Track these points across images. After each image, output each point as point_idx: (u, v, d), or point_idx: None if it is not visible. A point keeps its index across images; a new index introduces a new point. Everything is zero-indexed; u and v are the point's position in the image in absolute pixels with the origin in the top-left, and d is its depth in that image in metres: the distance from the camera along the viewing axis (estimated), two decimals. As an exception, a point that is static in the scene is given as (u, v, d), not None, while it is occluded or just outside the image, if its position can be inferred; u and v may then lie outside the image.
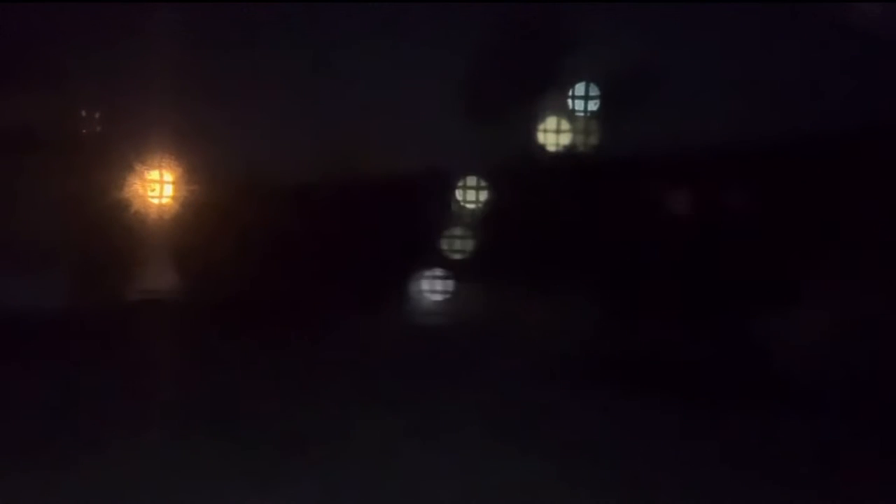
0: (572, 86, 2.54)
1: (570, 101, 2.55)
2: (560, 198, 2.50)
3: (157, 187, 2.39)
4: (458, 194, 2.54)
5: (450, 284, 2.53)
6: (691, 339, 2.48)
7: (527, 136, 2.55)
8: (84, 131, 2.44)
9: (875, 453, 2.35)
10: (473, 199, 2.54)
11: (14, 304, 2.36)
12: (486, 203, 2.54)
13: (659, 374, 2.43)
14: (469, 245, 2.53)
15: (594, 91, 2.55)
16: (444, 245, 2.54)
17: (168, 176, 2.39)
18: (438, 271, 2.53)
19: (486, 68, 2.47)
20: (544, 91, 2.54)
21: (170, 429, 2.31)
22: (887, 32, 2.37)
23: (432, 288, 2.53)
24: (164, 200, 2.40)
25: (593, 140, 2.57)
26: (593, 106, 2.55)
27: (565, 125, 2.56)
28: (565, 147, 2.56)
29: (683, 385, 2.42)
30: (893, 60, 2.39)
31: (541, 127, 2.56)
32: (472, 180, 2.54)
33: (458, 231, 2.53)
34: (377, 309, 2.49)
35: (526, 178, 2.54)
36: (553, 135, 2.56)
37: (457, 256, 2.53)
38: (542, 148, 2.56)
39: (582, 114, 2.55)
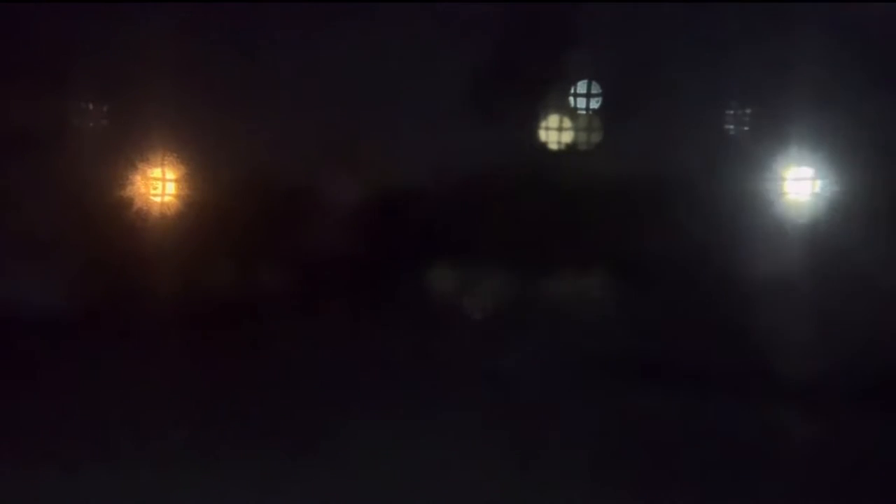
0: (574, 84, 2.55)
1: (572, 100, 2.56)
2: (564, 196, 2.51)
3: (160, 186, 2.40)
4: (462, 192, 2.54)
5: (453, 283, 2.53)
6: (695, 337, 2.48)
7: (529, 135, 2.55)
8: (87, 130, 2.45)
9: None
10: (478, 195, 2.54)
11: (15, 303, 2.37)
12: (490, 200, 2.54)
13: (667, 371, 2.44)
14: (471, 243, 2.53)
15: (596, 89, 2.55)
16: (447, 243, 2.53)
17: (171, 174, 2.40)
18: (441, 269, 2.53)
19: (488, 67, 2.47)
20: (547, 89, 2.55)
21: (171, 428, 2.31)
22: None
23: (437, 285, 2.53)
24: (167, 199, 2.40)
25: (596, 137, 2.57)
26: (595, 104, 2.56)
27: (567, 123, 2.56)
28: (568, 145, 2.56)
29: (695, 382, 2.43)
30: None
31: (543, 125, 2.56)
32: (474, 178, 2.54)
33: (461, 229, 2.53)
34: (379, 307, 2.49)
35: (528, 176, 2.54)
36: (556, 133, 2.56)
37: (461, 254, 2.53)
38: (544, 146, 2.56)
39: (584, 111, 2.56)
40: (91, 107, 2.45)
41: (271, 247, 2.44)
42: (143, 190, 2.39)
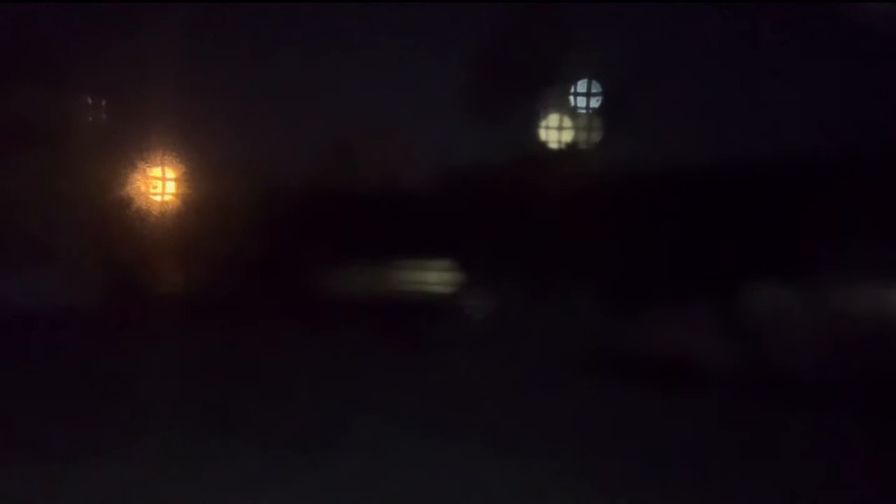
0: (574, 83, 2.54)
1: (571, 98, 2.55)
2: (562, 196, 2.51)
3: (160, 184, 2.39)
4: (461, 192, 2.53)
5: (452, 283, 2.53)
6: (694, 336, 2.50)
7: (529, 134, 2.55)
8: (86, 128, 2.44)
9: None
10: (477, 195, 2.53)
11: (15, 303, 2.37)
12: (489, 200, 2.53)
13: (662, 371, 2.46)
14: (471, 243, 2.53)
15: (596, 88, 2.55)
16: (446, 244, 2.53)
17: (171, 173, 2.39)
18: (440, 270, 2.53)
19: (487, 66, 2.47)
20: (546, 88, 2.54)
21: (170, 428, 2.32)
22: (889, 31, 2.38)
23: (434, 286, 2.53)
24: (167, 198, 2.39)
25: (595, 137, 2.57)
26: (595, 103, 2.55)
27: (567, 122, 2.56)
28: (568, 144, 2.56)
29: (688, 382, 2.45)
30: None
31: (543, 124, 2.56)
32: (474, 178, 2.53)
33: (461, 229, 2.53)
34: (379, 308, 2.50)
35: (528, 176, 2.54)
36: (555, 132, 2.56)
37: (459, 255, 2.53)
38: (544, 145, 2.56)
39: (584, 110, 2.55)
40: (90, 103, 2.44)
41: (271, 246, 2.44)
42: (142, 188, 2.39)
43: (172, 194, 2.40)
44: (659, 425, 2.43)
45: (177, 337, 2.39)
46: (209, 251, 2.41)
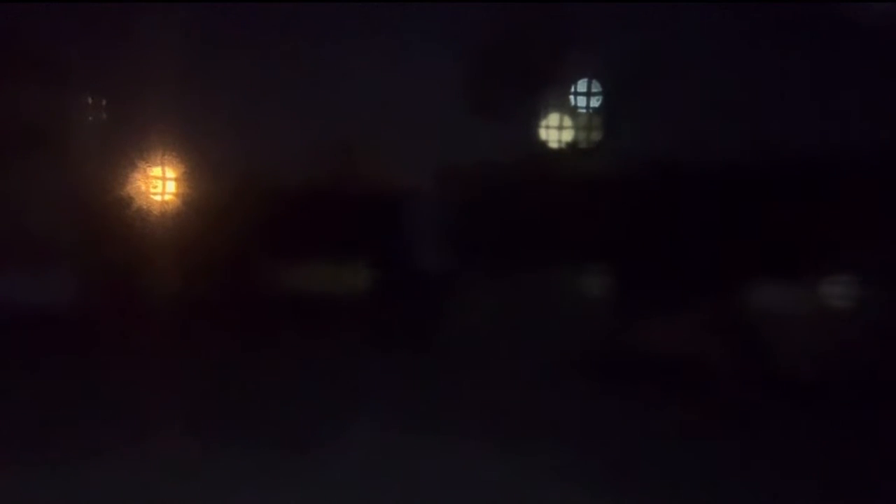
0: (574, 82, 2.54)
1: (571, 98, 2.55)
2: (562, 195, 2.51)
3: (160, 184, 2.39)
4: (461, 191, 2.54)
5: (451, 284, 2.53)
6: (693, 335, 2.50)
7: (529, 134, 2.55)
8: (86, 127, 2.44)
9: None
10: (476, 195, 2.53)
11: (14, 303, 2.37)
12: (488, 200, 2.53)
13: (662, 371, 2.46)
14: (470, 243, 2.53)
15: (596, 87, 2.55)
16: (445, 243, 2.53)
17: (171, 173, 2.39)
18: (439, 271, 2.53)
19: (486, 65, 2.47)
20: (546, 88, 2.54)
21: (170, 429, 2.32)
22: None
23: (433, 286, 2.53)
24: (167, 197, 2.39)
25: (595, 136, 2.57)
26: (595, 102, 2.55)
27: (567, 122, 2.56)
28: (568, 144, 2.56)
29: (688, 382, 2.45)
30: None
31: (543, 124, 2.56)
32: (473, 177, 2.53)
33: (460, 228, 2.53)
34: (379, 308, 2.50)
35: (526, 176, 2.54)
36: (555, 131, 2.56)
37: (457, 255, 2.53)
38: (544, 145, 2.56)
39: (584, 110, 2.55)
40: (90, 103, 2.44)
41: (272, 245, 2.44)
42: (143, 188, 2.39)
43: (172, 194, 2.40)
44: (659, 425, 2.43)
45: (177, 337, 2.39)
46: (209, 250, 2.41)
